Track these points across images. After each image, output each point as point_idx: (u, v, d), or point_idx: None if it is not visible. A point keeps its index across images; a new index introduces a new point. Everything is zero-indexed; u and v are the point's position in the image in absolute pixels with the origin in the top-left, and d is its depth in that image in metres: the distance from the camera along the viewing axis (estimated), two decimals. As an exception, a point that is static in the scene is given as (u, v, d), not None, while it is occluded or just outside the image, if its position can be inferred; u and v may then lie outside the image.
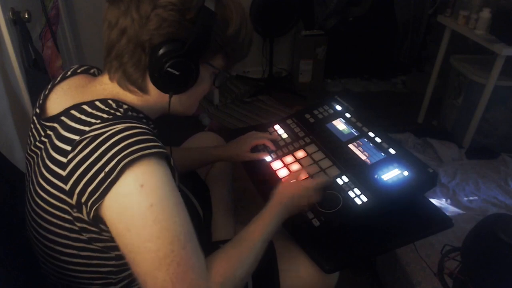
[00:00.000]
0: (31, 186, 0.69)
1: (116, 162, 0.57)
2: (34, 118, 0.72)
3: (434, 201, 1.26)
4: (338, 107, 1.19)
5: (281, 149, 1.09)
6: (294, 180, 0.92)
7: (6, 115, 1.07)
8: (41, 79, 1.18)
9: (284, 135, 1.15)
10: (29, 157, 0.72)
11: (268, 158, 1.06)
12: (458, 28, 2.23)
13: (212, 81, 0.75)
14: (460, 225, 1.53)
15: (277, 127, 1.19)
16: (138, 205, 0.57)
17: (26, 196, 0.73)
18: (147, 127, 0.63)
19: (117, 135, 0.59)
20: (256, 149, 1.10)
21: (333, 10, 3.01)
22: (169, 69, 0.64)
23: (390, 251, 1.39)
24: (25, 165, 0.76)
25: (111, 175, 0.57)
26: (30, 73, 1.16)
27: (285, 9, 2.76)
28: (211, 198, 1.16)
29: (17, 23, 1.13)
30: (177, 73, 0.64)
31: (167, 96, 0.69)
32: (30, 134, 0.73)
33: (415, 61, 3.42)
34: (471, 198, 1.83)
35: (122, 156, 0.57)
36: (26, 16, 1.14)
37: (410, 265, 1.40)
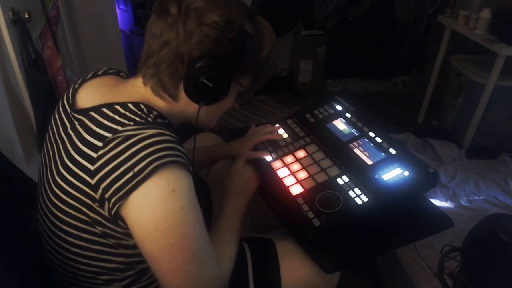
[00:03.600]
0: (49, 176, 0.70)
1: (146, 164, 0.60)
2: (61, 109, 0.75)
3: (434, 201, 1.26)
4: (338, 107, 1.19)
5: (281, 149, 1.09)
6: (236, 173, 0.99)
7: (6, 115, 1.07)
8: (41, 79, 1.18)
9: (285, 135, 1.15)
10: (48, 147, 0.74)
11: (268, 158, 1.06)
12: (458, 28, 2.23)
13: (236, 98, 0.81)
14: (460, 225, 1.54)
15: (277, 127, 1.19)
16: (172, 208, 0.62)
17: (40, 185, 0.75)
18: (175, 135, 0.66)
19: (149, 138, 0.62)
20: (256, 148, 1.10)
21: (333, 10, 3.01)
22: (205, 81, 0.68)
23: (390, 251, 1.39)
24: (25, 164, 0.76)
25: (140, 175, 0.60)
26: (30, 73, 1.16)
27: (285, 9, 2.77)
28: (211, 198, 1.16)
29: (17, 23, 1.13)
30: (211, 85, 0.69)
31: (194, 106, 0.74)
32: (53, 124, 0.75)
33: (415, 61, 3.42)
34: (471, 198, 1.83)
35: (153, 159, 0.60)
36: (26, 16, 1.14)
37: (410, 265, 1.40)
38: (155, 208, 0.61)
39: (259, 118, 2.73)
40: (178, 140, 0.67)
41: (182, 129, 0.80)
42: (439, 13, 2.52)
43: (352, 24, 3.14)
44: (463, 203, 1.80)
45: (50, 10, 1.44)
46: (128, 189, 0.60)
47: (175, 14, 0.67)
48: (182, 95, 0.72)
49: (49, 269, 0.80)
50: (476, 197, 1.83)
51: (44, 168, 0.74)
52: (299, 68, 3.10)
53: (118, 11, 2.48)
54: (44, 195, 0.72)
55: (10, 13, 1.10)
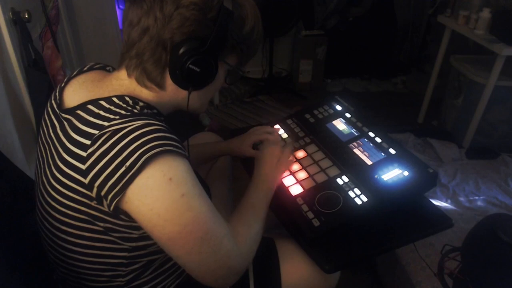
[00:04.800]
0: (44, 178, 0.70)
1: (137, 157, 0.59)
2: (49, 109, 0.74)
3: (434, 201, 1.26)
4: (338, 107, 1.19)
5: (281, 149, 1.09)
6: (268, 152, 0.98)
7: (6, 115, 1.07)
8: (41, 79, 1.18)
9: (284, 135, 1.15)
10: (41, 148, 0.73)
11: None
12: (458, 28, 2.23)
13: (224, 79, 0.78)
14: (460, 225, 1.53)
15: (277, 127, 1.19)
16: (171, 197, 0.61)
17: (37, 187, 0.74)
18: (164, 124, 0.65)
19: (137, 130, 0.61)
20: (256, 148, 1.10)
21: (333, 10, 3.01)
22: (190, 66, 0.66)
23: (390, 251, 1.39)
24: (25, 164, 0.76)
25: (132, 169, 0.59)
26: (30, 73, 1.16)
27: (285, 9, 2.77)
28: (211, 198, 1.16)
29: (17, 23, 1.13)
30: (198, 70, 0.67)
31: (183, 92, 0.72)
32: (44, 125, 0.74)
33: (415, 61, 3.42)
34: (471, 198, 1.83)
35: (143, 151, 0.59)
36: (26, 16, 1.14)
37: (410, 265, 1.40)
38: (155, 199, 0.60)
39: (259, 118, 2.73)
40: (168, 128, 0.65)
41: (181, 128, 0.79)
42: (439, 13, 2.51)
43: (352, 24, 3.14)
44: (463, 203, 1.79)
45: (50, 10, 1.44)
46: (123, 184, 0.59)
47: None
48: (169, 82, 0.70)
49: (51, 269, 0.79)
50: (476, 197, 1.83)
51: (39, 171, 0.73)
52: (299, 68, 3.10)
53: (118, 11, 2.48)
54: (41, 197, 0.72)
55: (10, 13, 1.10)
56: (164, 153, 0.61)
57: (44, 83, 1.19)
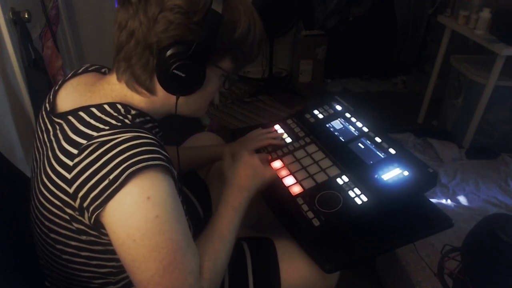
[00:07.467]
0: (35, 184, 0.69)
1: (121, 171, 0.57)
2: (44, 112, 0.73)
3: (434, 201, 1.26)
4: (338, 107, 1.19)
5: (281, 149, 1.09)
6: (241, 163, 0.91)
7: (6, 115, 1.07)
8: (41, 79, 1.18)
9: (284, 135, 1.15)
10: (36, 151, 0.73)
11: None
12: (458, 28, 2.23)
13: (221, 83, 0.75)
14: (460, 225, 1.53)
15: (277, 127, 1.19)
16: (145, 216, 0.59)
17: (31, 191, 0.73)
18: (154, 137, 0.64)
19: (124, 143, 0.59)
20: (257, 150, 1.10)
21: (333, 10, 3.01)
22: (175, 71, 0.64)
23: (390, 251, 1.39)
24: (25, 164, 0.76)
25: (115, 183, 0.57)
26: (30, 73, 1.16)
27: (285, 9, 2.76)
28: (211, 198, 1.16)
29: (17, 23, 1.13)
30: (182, 75, 0.65)
31: (174, 97, 0.69)
32: (38, 128, 0.73)
33: (415, 61, 3.42)
34: (471, 198, 1.83)
35: (128, 165, 0.58)
36: (26, 16, 1.14)
37: (410, 265, 1.40)
38: (128, 216, 0.58)
39: (259, 118, 2.73)
40: (157, 141, 0.64)
41: (181, 129, 0.79)
42: (439, 13, 2.51)
43: (352, 24, 3.14)
44: (463, 203, 1.80)
45: (50, 10, 1.45)
46: (105, 197, 0.58)
47: (136, 1, 0.63)
48: (159, 87, 0.68)
49: (44, 274, 0.79)
50: (476, 197, 1.83)
51: (34, 174, 0.72)
52: (299, 68, 3.10)
53: (118, 11, 2.47)
54: (33, 203, 0.71)
55: (10, 13, 1.10)
56: (149, 168, 0.59)
57: (44, 83, 1.19)
